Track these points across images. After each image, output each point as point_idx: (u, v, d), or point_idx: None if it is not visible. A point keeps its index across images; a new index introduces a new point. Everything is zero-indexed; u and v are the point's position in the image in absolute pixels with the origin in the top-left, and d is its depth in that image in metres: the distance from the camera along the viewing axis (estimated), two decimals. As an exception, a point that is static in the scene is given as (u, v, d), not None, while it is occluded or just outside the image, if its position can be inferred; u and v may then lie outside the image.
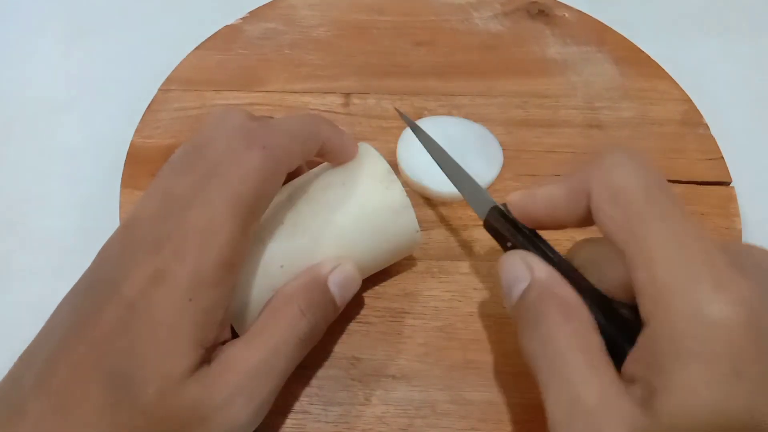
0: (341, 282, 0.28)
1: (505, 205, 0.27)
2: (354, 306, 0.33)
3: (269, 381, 0.25)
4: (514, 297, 0.25)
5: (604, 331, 0.23)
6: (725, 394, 0.19)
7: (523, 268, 0.25)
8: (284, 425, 0.29)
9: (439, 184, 0.36)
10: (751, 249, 0.22)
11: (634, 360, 0.21)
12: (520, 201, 0.26)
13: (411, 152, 0.38)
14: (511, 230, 0.27)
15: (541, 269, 0.25)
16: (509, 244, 0.27)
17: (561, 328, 0.22)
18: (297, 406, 0.30)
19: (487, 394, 0.30)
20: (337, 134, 0.29)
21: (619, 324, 0.23)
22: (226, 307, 0.25)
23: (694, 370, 0.19)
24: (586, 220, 0.24)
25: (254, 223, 0.26)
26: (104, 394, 0.22)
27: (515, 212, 0.27)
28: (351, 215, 0.29)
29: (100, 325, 0.23)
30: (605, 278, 0.24)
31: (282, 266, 0.28)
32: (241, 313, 0.27)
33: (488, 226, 0.28)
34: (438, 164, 0.32)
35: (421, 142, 0.33)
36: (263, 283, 0.27)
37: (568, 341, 0.22)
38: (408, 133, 0.39)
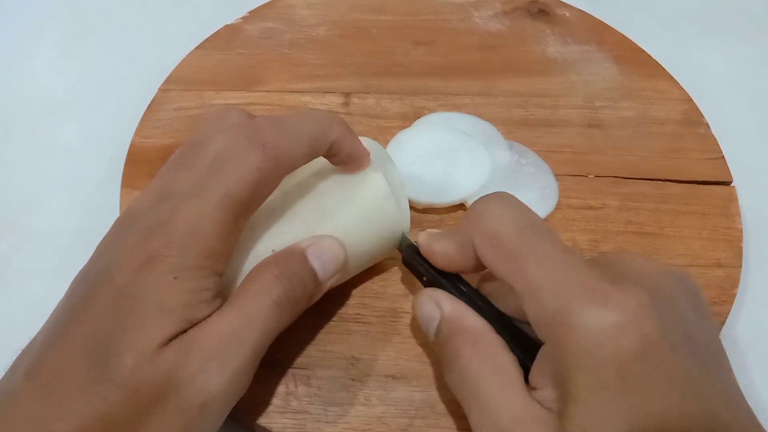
0: (321, 253, 0.28)
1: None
2: (354, 306, 0.33)
3: (243, 348, 0.24)
4: (431, 334, 0.27)
5: (513, 349, 0.25)
6: (616, 397, 0.21)
7: (432, 306, 0.27)
8: (284, 425, 0.29)
9: (420, 194, 0.36)
10: (626, 256, 0.25)
11: (537, 372, 0.24)
12: (424, 249, 0.28)
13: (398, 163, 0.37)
14: (424, 266, 0.29)
15: (448, 305, 0.27)
16: (424, 279, 0.29)
17: (472, 359, 0.25)
18: (297, 406, 0.29)
19: (487, 395, 0.30)
20: (348, 138, 0.29)
21: (524, 341, 0.25)
22: (214, 290, 0.25)
23: (586, 381, 0.21)
24: (480, 266, 0.26)
25: (247, 218, 0.26)
26: (86, 372, 0.22)
27: (424, 254, 0.29)
28: (339, 199, 0.29)
29: (90, 310, 0.23)
30: (508, 303, 0.27)
31: (273, 250, 0.28)
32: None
33: (405, 263, 0.30)
34: None
35: None
36: (255, 266, 0.27)
37: (480, 369, 0.25)
38: (395, 143, 0.38)
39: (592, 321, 0.21)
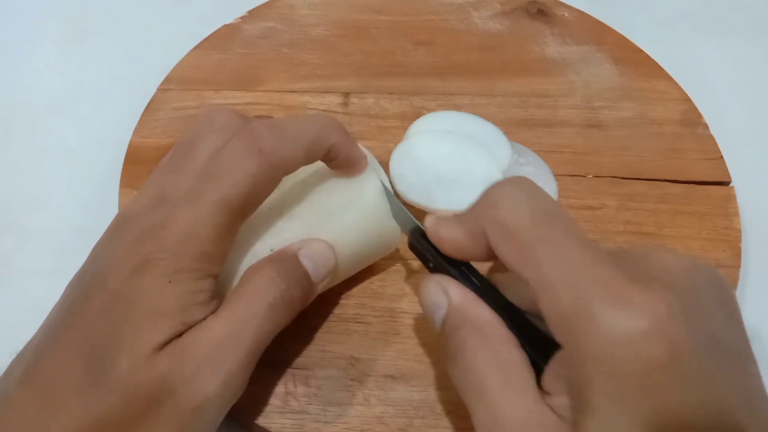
0: (312, 255, 0.28)
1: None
2: (353, 306, 0.33)
3: (238, 351, 0.24)
4: (436, 324, 0.26)
5: (524, 345, 0.23)
6: (635, 409, 0.19)
7: (440, 295, 0.25)
8: (283, 425, 0.29)
9: (434, 202, 0.35)
10: (651, 251, 0.22)
11: (552, 376, 0.22)
12: (431, 234, 0.26)
13: (403, 171, 0.37)
14: (431, 252, 0.27)
15: (457, 294, 0.25)
16: (431, 265, 0.27)
17: (479, 354, 0.23)
18: (296, 406, 0.30)
19: (485, 394, 0.30)
20: (346, 143, 0.28)
21: (537, 337, 0.23)
22: (209, 291, 0.25)
23: (605, 390, 0.20)
24: (492, 255, 0.24)
25: (242, 222, 0.26)
26: (82, 376, 0.22)
27: (431, 239, 0.27)
28: (337, 199, 0.29)
29: (85, 314, 0.23)
30: (521, 295, 0.25)
31: (272, 249, 0.28)
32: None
33: (411, 247, 0.29)
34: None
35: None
36: (248, 268, 0.27)
37: (487, 365, 0.23)
38: (399, 150, 0.38)
39: (617, 326, 0.19)
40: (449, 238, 0.26)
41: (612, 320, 0.20)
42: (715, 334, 0.21)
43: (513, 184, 0.25)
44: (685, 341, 0.19)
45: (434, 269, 0.27)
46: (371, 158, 0.32)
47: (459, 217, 0.26)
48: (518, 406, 0.22)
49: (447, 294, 0.25)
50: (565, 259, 0.21)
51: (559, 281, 0.21)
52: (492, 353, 0.23)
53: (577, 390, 0.21)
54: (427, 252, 0.27)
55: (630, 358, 0.19)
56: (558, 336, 0.21)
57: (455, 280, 0.26)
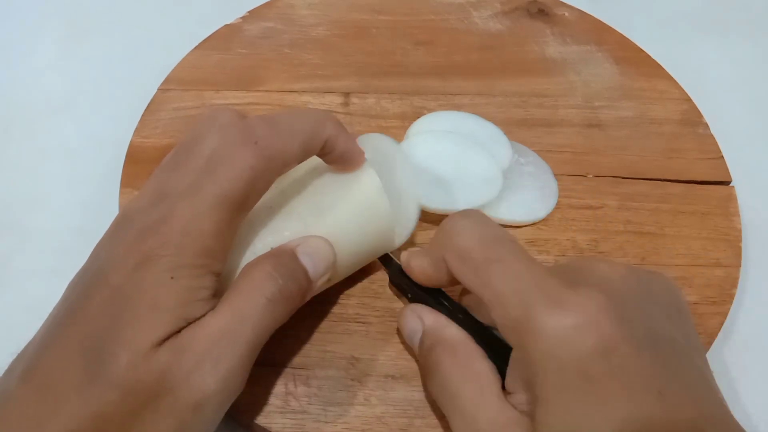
0: (310, 252, 0.28)
1: None
2: (353, 306, 0.33)
3: (236, 347, 0.24)
4: (415, 347, 0.29)
5: (491, 357, 0.27)
6: (580, 398, 0.21)
7: (415, 320, 0.29)
8: (283, 425, 0.29)
9: (434, 202, 0.35)
10: (589, 262, 0.26)
11: (511, 377, 0.25)
12: (404, 266, 0.30)
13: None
14: (408, 284, 0.30)
15: (429, 318, 0.29)
16: (409, 296, 0.31)
17: (451, 368, 0.26)
18: (296, 405, 0.30)
19: (486, 394, 0.30)
20: (342, 137, 0.29)
21: (502, 348, 0.27)
22: (211, 289, 0.25)
23: (550, 382, 0.22)
24: (454, 280, 0.27)
25: (242, 217, 0.26)
26: (81, 372, 0.22)
27: (404, 270, 0.30)
28: (335, 197, 0.30)
29: (86, 310, 0.23)
30: (485, 313, 0.27)
31: (271, 248, 0.28)
32: None
33: (392, 282, 0.33)
34: None
35: None
36: (246, 264, 0.27)
37: (458, 376, 0.26)
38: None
39: (552, 324, 0.22)
40: (417, 268, 0.29)
41: (549, 320, 0.22)
42: (654, 329, 0.23)
43: (464, 216, 0.28)
44: (617, 333, 0.22)
45: (412, 299, 0.31)
46: (394, 147, 0.33)
47: (424, 249, 0.30)
48: (487, 408, 0.25)
49: (421, 319, 0.29)
50: (510, 274, 0.24)
51: (506, 293, 0.24)
52: (462, 366, 0.26)
53: (530, 386, 0.23)
54: (404, 284, 0.31)
55: (567, 351, 0.22)
56: (509, 340, 0.24)
57: (428, 308, 0.29)
